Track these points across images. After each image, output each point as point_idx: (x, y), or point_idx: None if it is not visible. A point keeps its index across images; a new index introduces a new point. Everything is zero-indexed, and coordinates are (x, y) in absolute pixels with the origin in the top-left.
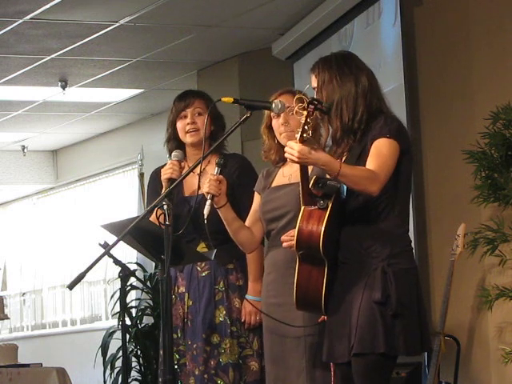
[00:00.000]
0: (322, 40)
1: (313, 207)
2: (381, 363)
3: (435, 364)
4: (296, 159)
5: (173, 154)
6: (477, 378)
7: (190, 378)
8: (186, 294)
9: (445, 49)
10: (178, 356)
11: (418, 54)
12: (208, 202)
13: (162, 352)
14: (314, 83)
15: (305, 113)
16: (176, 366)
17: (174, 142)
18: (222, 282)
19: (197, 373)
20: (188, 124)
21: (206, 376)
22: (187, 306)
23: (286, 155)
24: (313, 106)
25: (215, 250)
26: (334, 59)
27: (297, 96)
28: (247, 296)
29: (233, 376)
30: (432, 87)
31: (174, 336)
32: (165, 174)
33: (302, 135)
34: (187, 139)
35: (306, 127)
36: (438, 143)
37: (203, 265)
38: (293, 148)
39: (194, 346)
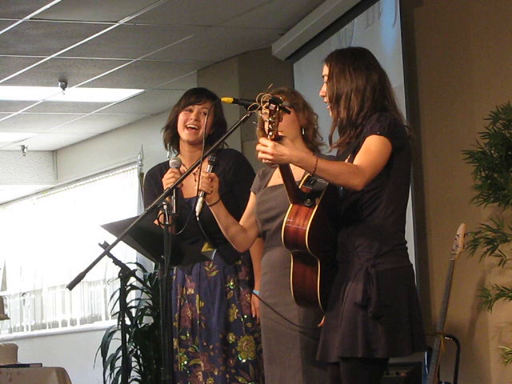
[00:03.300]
0: (321, 40)
1: (301, 205)
2: (363, 367)
3: (435, 364)
4: (270, 157)
5: (171, 162)
6: (477, 378)
7: (208, 379)
8: (197, 295)
9: (445, 49)
10: (187, 358)
11: (418, 53)
12: (200, 200)
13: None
14: (326, 71)
15: (267, 111)
16: (186, 368)
17: (172, 131)
18: (232, 280)
19: (216, 373)
20: (191, 119)
21: (227, 376)
22: (199, 308)
23: (259, 155)
24: (274, 105)
25: (215, 250)
26: (349, 52)
27: (259, 95)
28: (254, 291)
29: (253, 373)
30: (432, 87)
31: (183, 338)
32: (167, 184)
33: (268, 133)
34: (184, 136)
35: (271, 126)
36: (438, 143)
37: (211, 265)
38: (266, 145)
39: (211, 346)
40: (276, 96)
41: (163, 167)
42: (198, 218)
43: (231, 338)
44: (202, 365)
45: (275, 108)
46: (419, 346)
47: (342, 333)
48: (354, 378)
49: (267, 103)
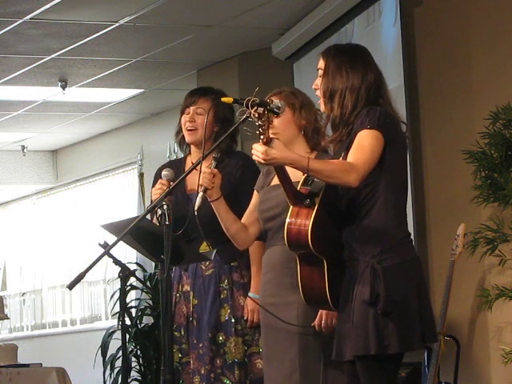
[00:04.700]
0: (321, 40)
1: (301, 206)
2: (378, 364)
3: (435, 364)
4: (262, 161)
5: (163, 173)
6: (477, 378)
7: (195, 377)
8: (191, 292)
9: (445, 49)
10: (180, 354)
11: (418, 54)
12: (200, 195)
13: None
14: (321, 65)
15: (256, 115)
16: (178, 365)
17: (182, 135)
18: (226, 280)
19: (203, 372)
20: (187, 121)
21: (212, 375)
22: (192, 305)
23: (253, 157)
24: (262, 108)
25: (215, 251)
26: (347, 50)
27: (246, 99)
28: (249, 294)
29: (238, 374)
30: (432, 87)
31: (177, 334)
32: (154, 195)
33: (260, 136)
34: (186, 137)
35: (261, 129)
36: (438, 143)
37: (207, 263)
38: (257, 150)
39: (200, 345)
40: (263, 99)
41: (173, 165)
42: (195, 213)
43: (221, 337)
44: (192, 362)
45: (263, 111)
46: (430, 338)
47: (355, 332)
48: (371, 376)
49: (255, 107)
